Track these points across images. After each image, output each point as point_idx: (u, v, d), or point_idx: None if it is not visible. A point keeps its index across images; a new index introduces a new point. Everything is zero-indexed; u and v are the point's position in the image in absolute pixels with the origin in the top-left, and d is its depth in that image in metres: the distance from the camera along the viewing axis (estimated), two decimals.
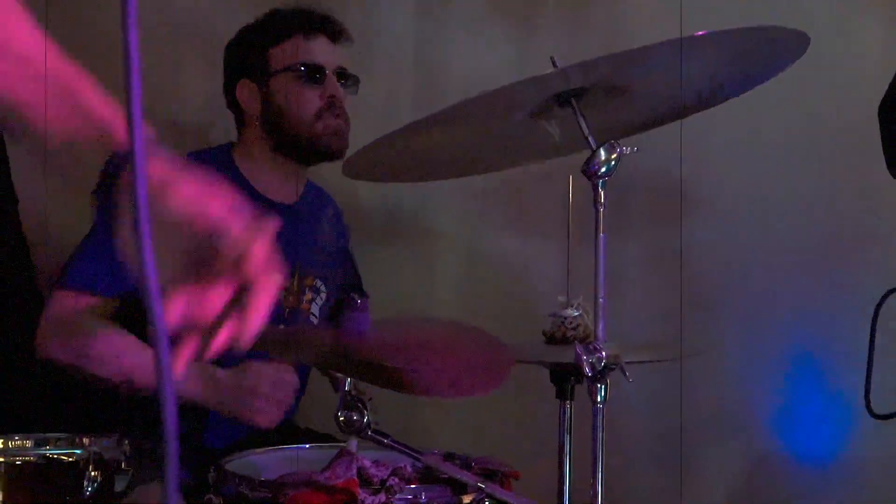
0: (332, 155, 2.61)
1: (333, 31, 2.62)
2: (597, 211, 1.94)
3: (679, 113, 2.18)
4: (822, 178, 3.11)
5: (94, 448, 1.72)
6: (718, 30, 1.93)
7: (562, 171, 2.55)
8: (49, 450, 1.74)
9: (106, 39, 2.98)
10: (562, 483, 2.33)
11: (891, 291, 2.40)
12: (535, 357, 2.35)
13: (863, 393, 2.40)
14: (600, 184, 1.94)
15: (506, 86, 1.89)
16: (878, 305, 2.41)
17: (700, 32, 1.91)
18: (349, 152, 2.54)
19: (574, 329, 2.32)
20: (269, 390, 2.35)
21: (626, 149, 1.94)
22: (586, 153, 1.96)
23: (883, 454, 3.10)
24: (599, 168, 1.93)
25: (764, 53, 2.08)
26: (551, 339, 2.35)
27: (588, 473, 2.08)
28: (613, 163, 1.93)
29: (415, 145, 2.14)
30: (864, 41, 3.14)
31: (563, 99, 1.97)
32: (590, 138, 1.95)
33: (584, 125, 1.95)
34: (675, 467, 3.13)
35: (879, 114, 2.39)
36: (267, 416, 2.37)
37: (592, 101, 2.01)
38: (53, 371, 2.43)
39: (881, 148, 2.40)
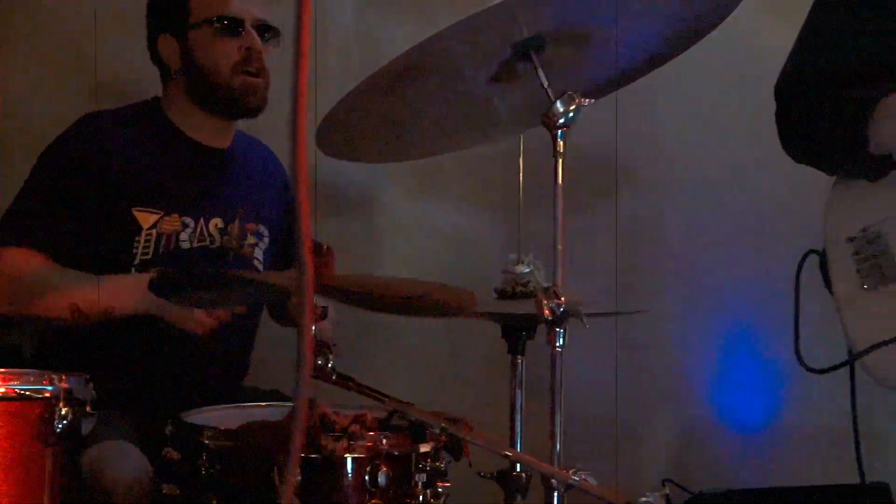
0: (248, 111, 2.61)
1: None
2: (555, 160, 1.98)
3: (640, 68, 2.23)
4: (751, 153, 3.18)
5: (65, 385, 1.71)
6: None
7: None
8: (18, 385, 1.72)
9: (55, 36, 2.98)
10: (514, 437, 2.38)
11: (809, 252, 2.46)
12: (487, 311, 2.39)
13: (793, 352, 2.45)
14: (559, 134, 1.98)
15: (461, 20, 1.91)
16: (800, 266, 2.47)
17: None
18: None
19: (524, 285, 2.37)
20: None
21: (585, 100, 1.98)
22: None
23: (813, 421, 3.19)
24: (558, 118, 1.97)
25: None
26: (503, 295, 2.39)
27: (537, 429, 2.12)
28: (572, 113, 1.98)
29: (381, 112, 2.16)
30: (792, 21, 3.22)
31: (522, 51, 2.01)
32: (548, 89, 1.99)
33: (542, 76, 1.99)
34: (611, 429, 3.18)
35: (775, 95, 2.45)
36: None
37: (552, 56, 2.05)
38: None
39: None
